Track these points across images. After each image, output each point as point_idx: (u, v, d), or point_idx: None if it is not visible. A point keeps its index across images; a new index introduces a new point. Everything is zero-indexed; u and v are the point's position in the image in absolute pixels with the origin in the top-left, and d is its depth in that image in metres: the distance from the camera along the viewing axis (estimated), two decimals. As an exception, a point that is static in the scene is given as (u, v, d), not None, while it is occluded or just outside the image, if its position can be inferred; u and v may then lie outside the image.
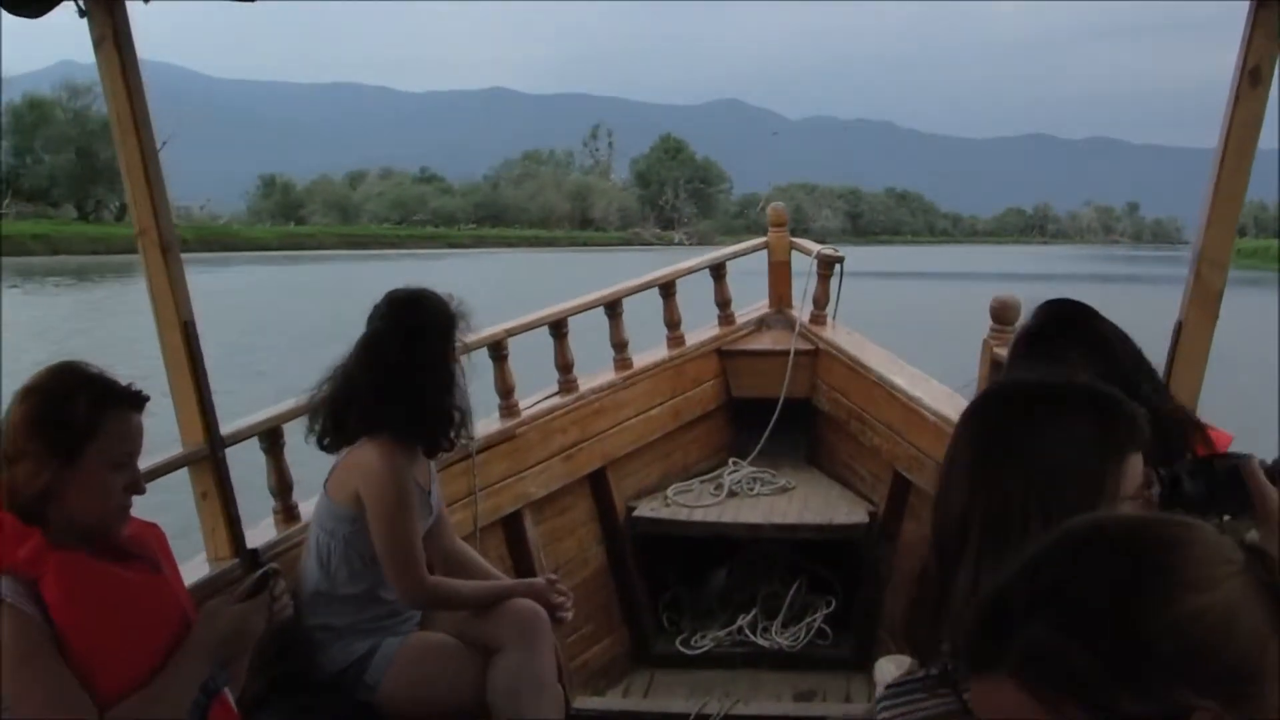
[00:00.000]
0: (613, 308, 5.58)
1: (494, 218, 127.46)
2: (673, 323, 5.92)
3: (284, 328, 24.86)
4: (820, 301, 6.02)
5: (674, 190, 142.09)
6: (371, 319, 3.58)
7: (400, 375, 3.50)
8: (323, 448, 3.61)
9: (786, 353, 5.89)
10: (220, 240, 75.70)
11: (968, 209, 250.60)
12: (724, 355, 6.03)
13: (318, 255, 76.03)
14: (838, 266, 5.97)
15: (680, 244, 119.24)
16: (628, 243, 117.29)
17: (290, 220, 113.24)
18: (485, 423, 4.93)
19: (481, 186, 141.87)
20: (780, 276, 6.19)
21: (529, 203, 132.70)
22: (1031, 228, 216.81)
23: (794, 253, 6.14)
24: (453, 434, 3.62)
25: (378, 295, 3.63)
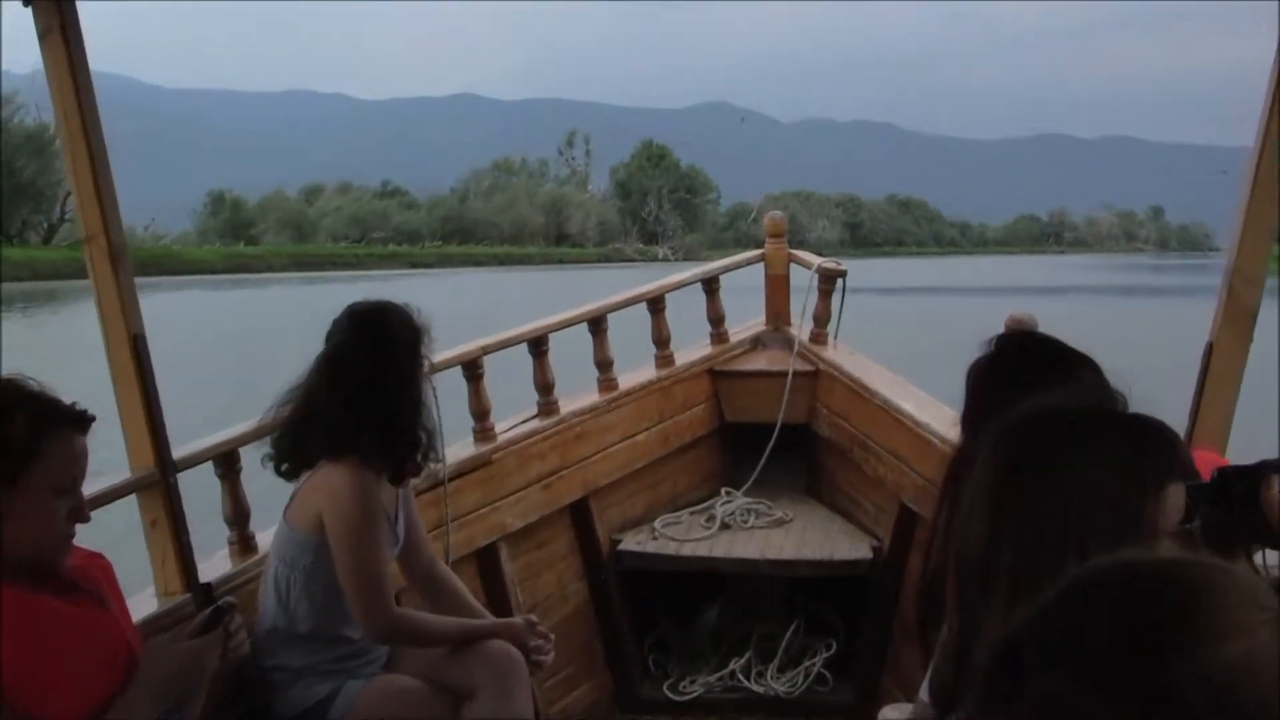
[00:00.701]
0: (597, 324, 5.64)
1: (462, 233, 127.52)
2: (661, 340, 5.97)
3: (196, 367, 23.31)
4: (821, 319, 6.07)
5: (657, 201, 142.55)
6: (331, 334, 3.60)
7: (367, 392, 3.50)
8: (281, 473, 3.62)
9: (784, 374, 5.93)
10: (158, 263, 74.44)
11: (977, 216, 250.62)
12: (716, 376, 6.07)
13: (264, 278, 75.19)
14: (840, 281, 6.02)
15: (665, 259, 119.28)
16: (608, 259, 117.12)
17: (240, 240, 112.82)
18: (458, 447, 4.98)
19: (448, 200, 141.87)
20: (778, 292, 6.24)
21: (500, 217, 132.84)
22: (1047, 236, 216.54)
23: (793, 266, 6.19)
24: (419, 457, 3.62)
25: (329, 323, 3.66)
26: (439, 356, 3.88)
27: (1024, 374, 2.37)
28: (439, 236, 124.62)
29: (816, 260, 6.12)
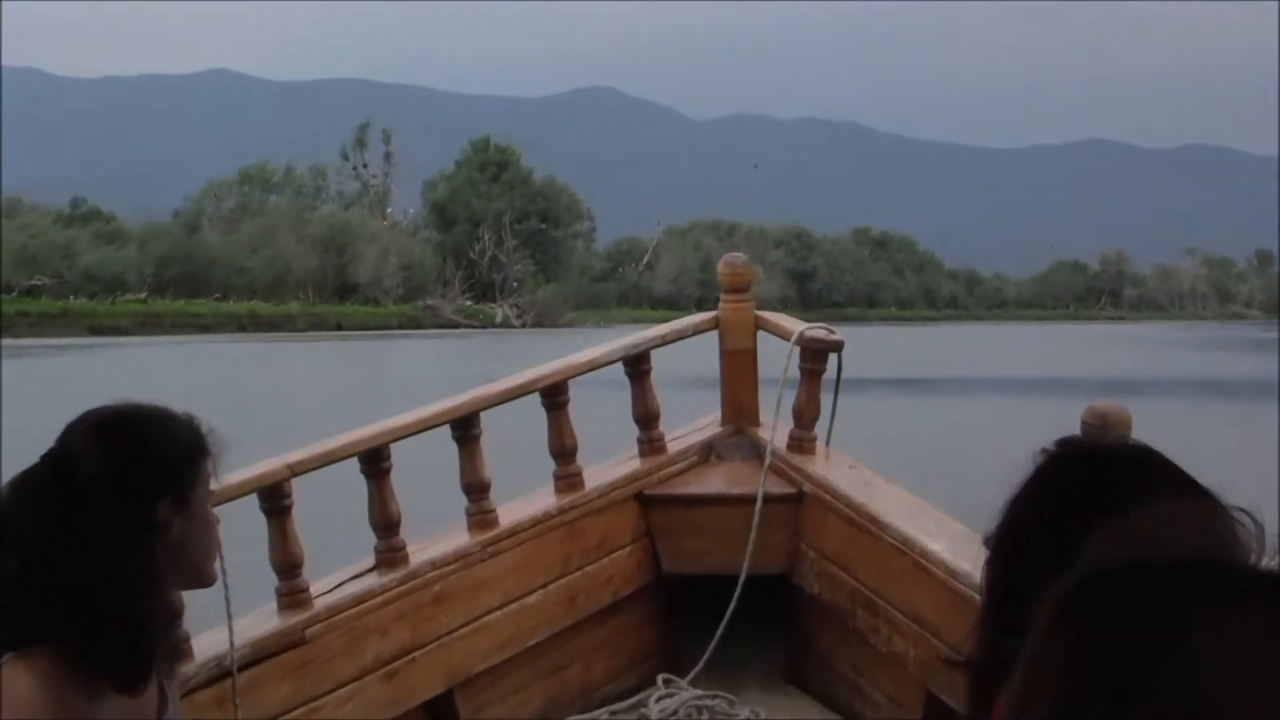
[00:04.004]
0: (465, 427, 6.27)
1: (187, 281, 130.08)
2: (564, 451, 6.64)
3: None
4: (805, 415, 6.75)
5: (495, 233, 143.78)
6: (55, 456, 3.65)
7: (71, 556, 3.57)
8: None
9: (751, 500, 6.54)
10: None
11: (991, 262, 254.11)
12: (649, 505, 6.73)
13: None
14: (834, 357, 6.77)
15: (506, 325, 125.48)
16: (415, 323, 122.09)
17: None
18: (257, 618, 5.60)
19: (171, 229, 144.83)
20: (739, 375, 6.95)
21: (247, 256, 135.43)
22: (1097, 293, 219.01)
23: (762, 335, 6.93)
24: (157, 653, 3.66)
25: None
26: (227, 480, 4.12)
27: (1095, 506, 2.35)
28: (152, 285, 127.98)
29: (798, 327, 6.83)
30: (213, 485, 3.85)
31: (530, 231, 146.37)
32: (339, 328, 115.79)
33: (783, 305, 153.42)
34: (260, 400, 40.22)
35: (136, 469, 3.68)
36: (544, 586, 6.32)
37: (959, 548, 5.67)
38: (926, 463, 25.28)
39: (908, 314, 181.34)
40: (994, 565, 2.56)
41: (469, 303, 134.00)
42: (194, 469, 3.75)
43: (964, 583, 5.41)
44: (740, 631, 6.40)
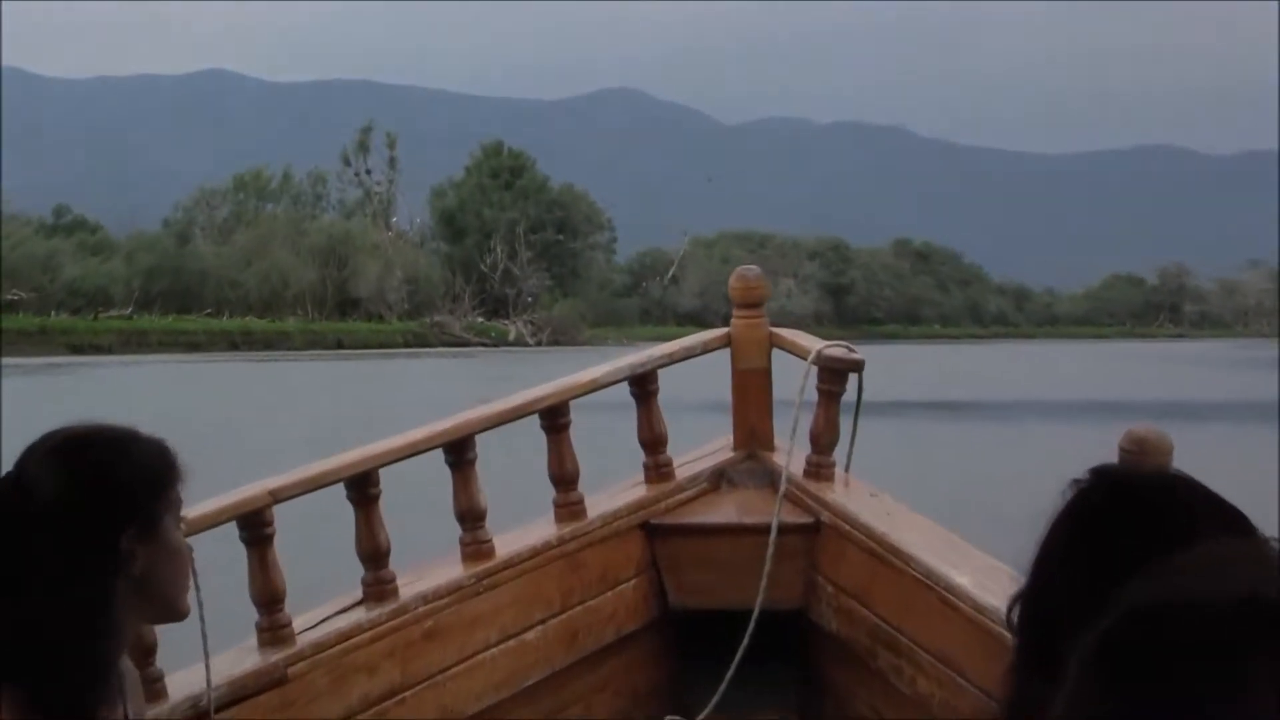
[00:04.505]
0: (458, 451, 6.30)
1: (177, 295, 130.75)
2: (563, 476, 6.65)
3: None
4: (823, 440, 6.75)
5: (509, 243, 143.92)
6: (12, 481, 3.66)
7: (23, 591, 3.58)
8: None
9: (765, 530, 6.53)
10: None
11: (1041, 276, 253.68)
12: (655, 535, 6.75)
13: None
14: (854, 377, 6.73)
15: (520, 343, 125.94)
16: (422, 341, 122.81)
17: None
18: (236, 655, 5.63)
19: (160, 239, 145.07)
20: (753, 396, 6.95)
21: (241, 269, 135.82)
22: (1155, 308, 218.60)
23: (777, 354, 6.92)
24: (105, 696, 3.64)
25: None
26: (203, 508, 4.48)
27: (1130, 539, 2.41)
28: (136, 300, 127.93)
29: (815, 344, 6.77)
30: (184, 512, 3.82)
31: (546, 243, 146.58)
32: (339, 346, 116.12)
33: (817, 321, 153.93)
34: (248, 424, 40.62)
35: (97, 496, 3.65)
36: (543, 622, 6.30)
37: (988, 581, 5.66)
38: (959, 493, 26.02)
39: (952, 331, 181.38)
40: (1026, 603, 2.54)
41: (480, 319, 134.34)
42: (161, 496, 3.72)
43: (993, 619, 5.38)
44: (752, 671, 6.32)
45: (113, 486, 3.67)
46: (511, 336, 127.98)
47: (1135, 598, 1.79)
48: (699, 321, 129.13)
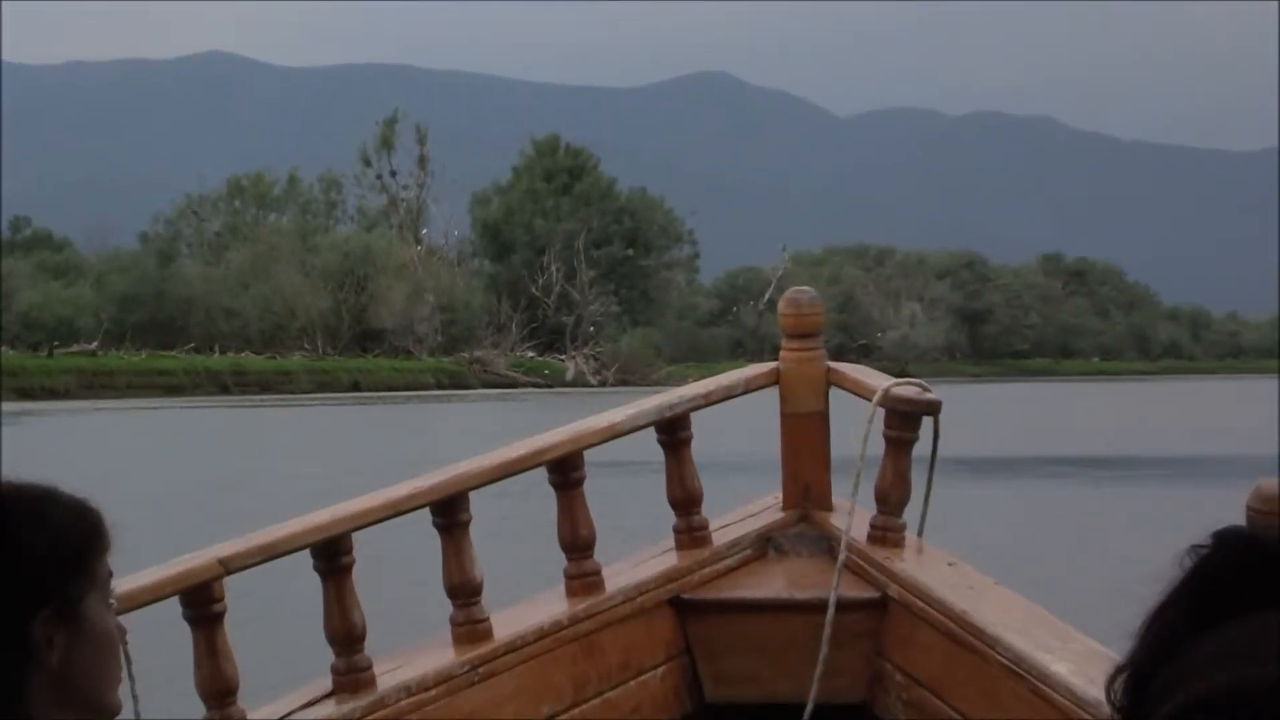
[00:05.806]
0: (448, 512, 6.58)
1: (159, 326, 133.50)
2: (576, 541, 6.92)
3: None
4: (891, 498, 7.03)
5: (567, 261, 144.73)
6: None
7: None
8: None
9: (821, 607, 6.77)
10: None
11: (1223, 299, 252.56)
12: (687, 612, 7.00)
13: None
14: (930, 422, 7.02)
15: (581, 383, 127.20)
16: (459, 382, 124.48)
17: None
18: None
19: (138, 259, 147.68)
20: (807, 444, 7.21)
21: (238, 294, 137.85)
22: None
23: (835, 393, 7.22)
24: None
25: None
26: (139, 580, 4.61)
27: (1256, 612, 2.38)
28: (107, 332, 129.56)
29: (882, 382, 7.04)
30: (115, 586, 3.75)
31: (612, 259, 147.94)
32: (356, 388, 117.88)
33: (948, 355, 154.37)
34: (221, 485, 41.15)
35: (1, 574, 3.55)
36: (552, 718, 6.39)
37: (1089, 669, 5.79)
38: (1064, 564, 27.96)
39: (1113, 366, 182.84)
40: (1127, 691, 2.49)
41: (530, 354, 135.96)
42: (83, 570, 3.61)
43: (1095, 714, 5.56)
44: None
45: (23, 559, 3.61)
46: (569, 375, 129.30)
47: (1194, 680, 1.89)
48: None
